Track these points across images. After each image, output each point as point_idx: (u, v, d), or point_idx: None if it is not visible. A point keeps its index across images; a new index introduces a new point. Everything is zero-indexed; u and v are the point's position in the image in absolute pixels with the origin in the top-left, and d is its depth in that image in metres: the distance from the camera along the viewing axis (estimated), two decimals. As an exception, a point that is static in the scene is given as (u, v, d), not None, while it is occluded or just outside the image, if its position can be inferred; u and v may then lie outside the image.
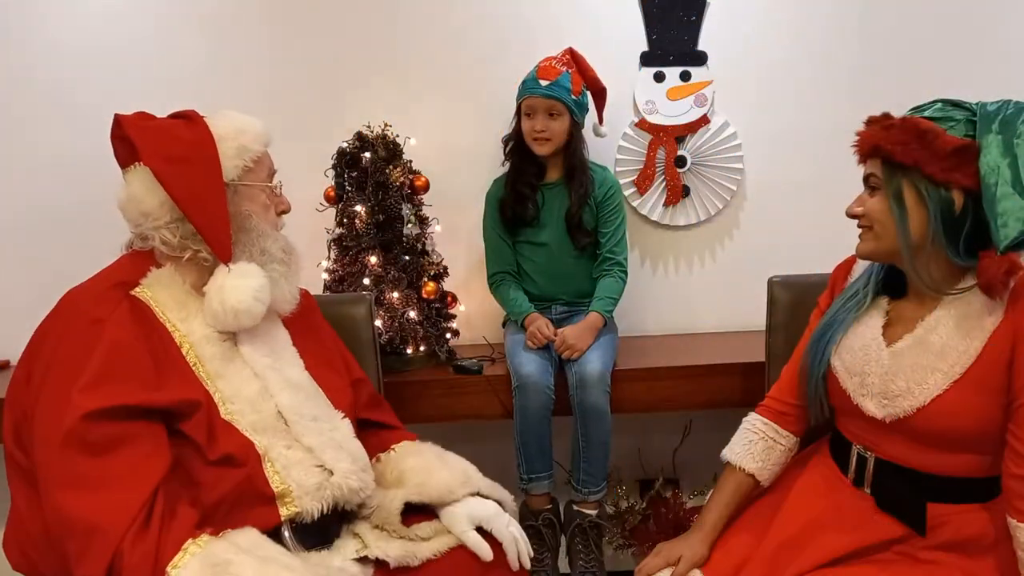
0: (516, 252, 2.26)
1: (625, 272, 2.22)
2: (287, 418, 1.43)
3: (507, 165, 2.25)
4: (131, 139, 1.37)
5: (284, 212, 1.56)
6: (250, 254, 1.44)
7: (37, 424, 1.29)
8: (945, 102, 1.30)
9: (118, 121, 1.41)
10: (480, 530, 1.50)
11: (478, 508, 1.52)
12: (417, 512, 1.52)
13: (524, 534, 1.55)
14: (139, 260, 1.44)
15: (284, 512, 1.35)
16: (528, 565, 1.54)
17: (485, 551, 1.48)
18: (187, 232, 1.40)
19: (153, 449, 1.28)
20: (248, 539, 1.28)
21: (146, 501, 1.23)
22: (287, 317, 1.55)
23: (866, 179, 1.36)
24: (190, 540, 1.22)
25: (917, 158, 1.25)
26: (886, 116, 1.33)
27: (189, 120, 1.43)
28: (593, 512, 2.09)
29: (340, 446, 1.45)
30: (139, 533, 1.20)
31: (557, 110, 2.11)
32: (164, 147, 1.37)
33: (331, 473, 1.40)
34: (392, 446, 1.63)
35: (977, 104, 1.28)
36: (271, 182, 1.52)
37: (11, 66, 2.38)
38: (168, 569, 1.19)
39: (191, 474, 1.32)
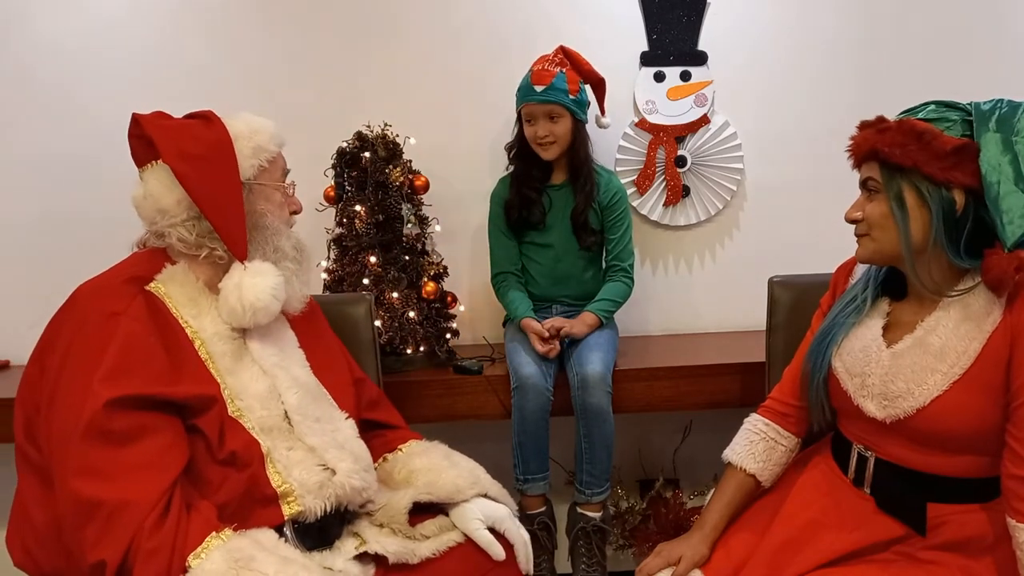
0: (521, 252, 2.25)
1: (631, 278, 2.22)
2: (292, 418, 1.43)
3: (511, 167, 2.23)
4: (151, 137, 1.39)
5: (296, 212, 1.58)
6: (264, 252, 1.46)
7: (56, 415, 1.29)
8: (938, 103, 1.30)
9: (136, 120, 1.43)
10: (491, 531, 1.52)
11: (491, 508, 1.54)
12: (421, 512, 1.52)
13: (529, 540, 1.56)
14: (153, 257, 1.45)
15: (287, 511, 1.36)
16: (531, 572, 1.56)
17: (498, 550, 1.49)
18: (204, 230, 1.42)
19: (173, 440, 1.30)
20: (268, 538, 1.29)
21: (165, 490, 1.24)
22: (293, 319, 1.56)
23: (863, 183, 1.36)
24: (213, 533, 1.23)
25: (916, 159, 1.25)
26: (880, 119, 1.32)
27: (207, 120, 1.45)
28: (597, 515, 2.09)
29: (342, 446, 1.45)
30: (158, 521, 1.21)
31: (557, 113, 2.10)
32: (183, 146, 1.38)
33: (333, 472, 1.41)
34: (399, 446, 1.64)
35: (971, 104, 1.28)
36: (284, 182, 1.54)
37: (11, 67, 2.38)
38: (190, 559, 1.20)
39: (201, 473, 1.33)
